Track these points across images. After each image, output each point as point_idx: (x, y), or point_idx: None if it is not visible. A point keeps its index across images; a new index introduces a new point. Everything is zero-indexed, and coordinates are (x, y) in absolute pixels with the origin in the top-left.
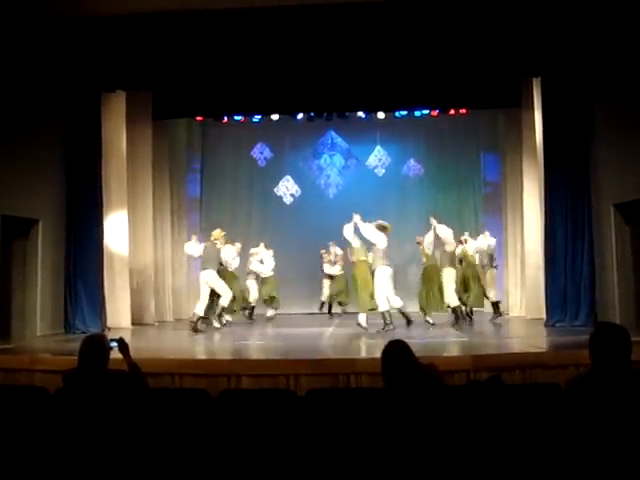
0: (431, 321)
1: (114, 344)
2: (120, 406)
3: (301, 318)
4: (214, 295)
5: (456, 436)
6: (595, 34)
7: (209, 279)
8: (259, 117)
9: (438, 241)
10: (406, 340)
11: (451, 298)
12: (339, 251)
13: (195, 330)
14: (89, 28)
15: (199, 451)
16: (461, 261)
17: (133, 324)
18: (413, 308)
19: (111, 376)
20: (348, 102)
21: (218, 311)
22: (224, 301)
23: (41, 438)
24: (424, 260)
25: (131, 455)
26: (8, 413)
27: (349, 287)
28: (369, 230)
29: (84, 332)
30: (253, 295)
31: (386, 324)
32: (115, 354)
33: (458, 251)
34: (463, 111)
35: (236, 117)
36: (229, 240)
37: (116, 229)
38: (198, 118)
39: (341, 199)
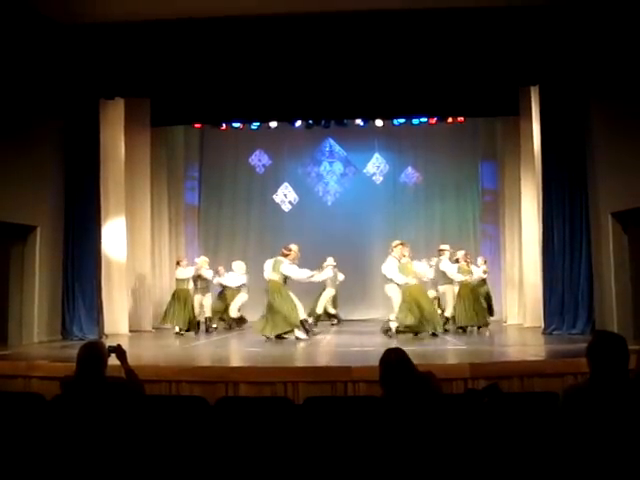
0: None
1: (112, 351)
2: (118, 413)
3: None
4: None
5: (454, 444)
6: (593, 43)
7: None
8: (257, 124)
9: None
10: (404, 348)
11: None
12: None
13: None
14: (87, 36)
15: (197, 458)
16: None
17: (130, 331)
18: None
19: (109, 383)
20: (346, 110)
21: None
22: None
23: (38, 445)
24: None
25: (128, 462)
26: (5, 420)
27: None
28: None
29: (81, 339)
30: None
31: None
32: (113, 361)
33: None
34: (461, 119)
35: (234, 124)
36: None
37: (114, 236)
38: (196, 125)
39: (339, 207)
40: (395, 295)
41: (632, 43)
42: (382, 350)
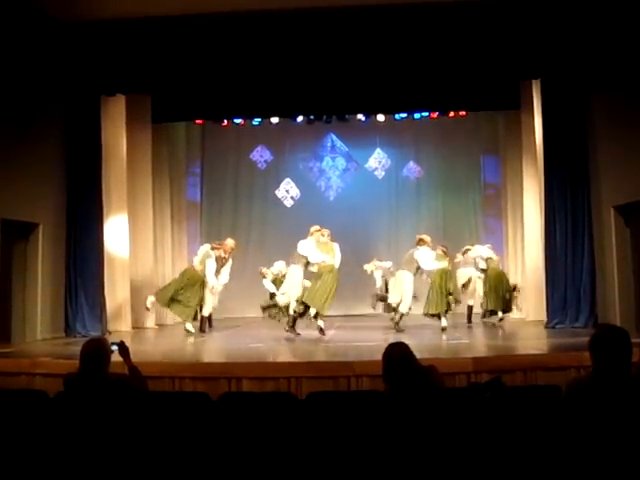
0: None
1: (115, 347)
2: (120, 410)
3: (302, 320)
4: None
5: (456, 438)
6: (594, 36)
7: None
8: (259, 120)
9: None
10: (407, 342)
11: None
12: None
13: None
14: (89, 33)
15: (200, 454)
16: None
17: (133, 328)
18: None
19: (112, 380)
20: (348, 105)
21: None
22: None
23: (41, 442)
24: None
25: (131, 459)
26: (8, 417)
27: None
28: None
29: (84, 336)
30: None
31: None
32: (115, 357)
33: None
34: (463, 113)
35: (236, 120)
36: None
37: (116, 233)
38: (198, 121)
39: (341, 202)
40: (297, 276)
41: (634, 36)
42: (384, 345)
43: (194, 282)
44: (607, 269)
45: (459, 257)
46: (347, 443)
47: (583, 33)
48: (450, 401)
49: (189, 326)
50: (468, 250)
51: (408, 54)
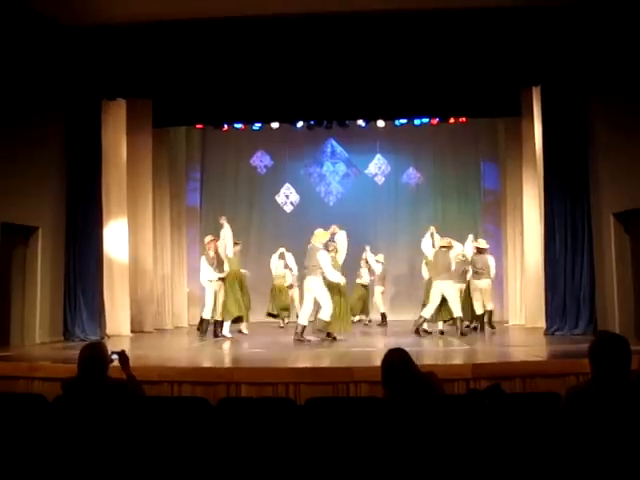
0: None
1: (115, 356)
2: (119, 414)
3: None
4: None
5: (455, 445)
6: (594, 44)
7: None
8: (259, 125)
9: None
10: (406, 348)
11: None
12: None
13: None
14: (90, 37)
15: (198, 459)
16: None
17: (132, 332)
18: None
19: (110, 384)
20: (348, 110)
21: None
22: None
23: (39, 446)
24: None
25: (130, 464)
26: (6, 421)
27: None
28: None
29: (83, 340)
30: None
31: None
32: (115, 363)
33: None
34: (463, 120)
35: (236, 125)
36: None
37: (116, 237)
38: (198, 126)
39: (341, 207)
40: (322, 290)
41: (634, 44)
42: (384, 351)
43: (238, 279)
44: (606, 276)
45: (470, 241)
46: (346, 449)
47: (583, 40)
48: (449, 408)
49: (243, 328)
50: (484, 250)
51: (408, 60)
